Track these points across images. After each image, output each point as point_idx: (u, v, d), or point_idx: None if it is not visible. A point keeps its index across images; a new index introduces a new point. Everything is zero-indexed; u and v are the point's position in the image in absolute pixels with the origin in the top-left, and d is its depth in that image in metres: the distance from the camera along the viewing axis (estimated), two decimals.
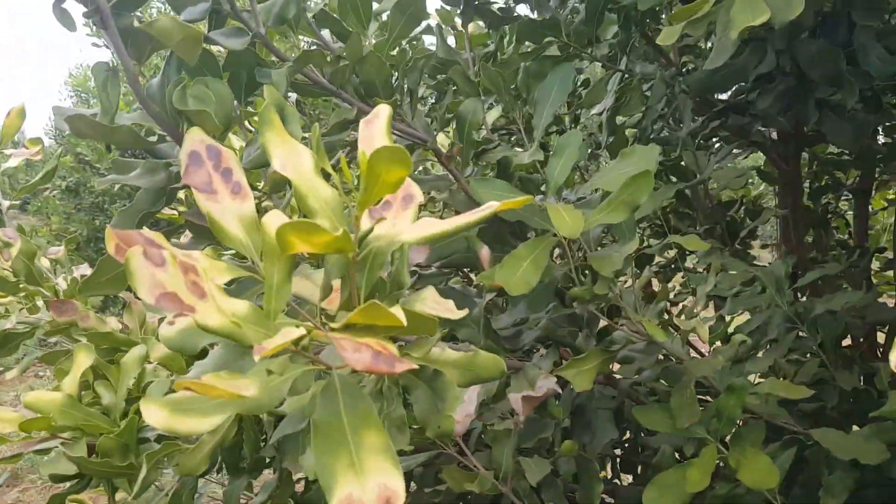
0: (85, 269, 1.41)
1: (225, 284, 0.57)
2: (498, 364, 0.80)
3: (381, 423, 0.55)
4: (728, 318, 1.50)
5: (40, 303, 1.39)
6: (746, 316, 1.54)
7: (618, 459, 1.67)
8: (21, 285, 1.25)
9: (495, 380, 0.81)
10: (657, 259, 2.15)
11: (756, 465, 1.10)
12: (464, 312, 0.72)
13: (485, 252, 1.06)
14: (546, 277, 1.07)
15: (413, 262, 1.12)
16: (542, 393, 1.05)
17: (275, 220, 0.53)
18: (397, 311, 0.50)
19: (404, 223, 0.65)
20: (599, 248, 1.15)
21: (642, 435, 1.43)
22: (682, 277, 2.05)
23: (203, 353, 1.31)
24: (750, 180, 2.41)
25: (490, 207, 0.53)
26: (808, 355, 1.40)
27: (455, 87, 1.20)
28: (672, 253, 2.16)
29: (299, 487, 1.31)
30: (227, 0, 0.78)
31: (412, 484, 1.37)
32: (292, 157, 0.57)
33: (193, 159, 0.63)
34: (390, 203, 0.68)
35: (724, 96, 1.55)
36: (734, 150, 1.78)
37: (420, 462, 1.10)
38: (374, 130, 0.57)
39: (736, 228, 2.02)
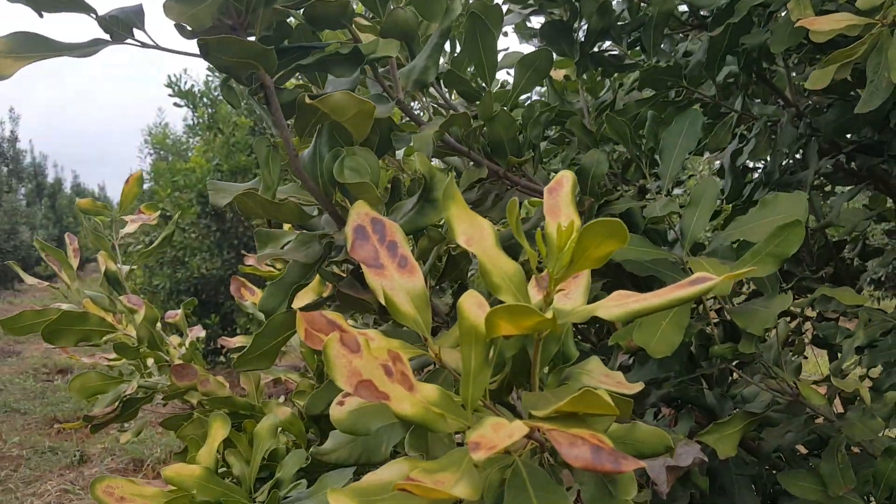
0: (199, 331, 1.42)
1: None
2: (662, 439, 0.74)
3: None
4: (866, 371, 1.39)
5: (150, 362, 1.40)
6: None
7: None
8: (141, 350, 1.26)
9: (656, 454, 0.75)
10: None
11: None
12: (639, 386, 0.67)
13: None
14: (686, 336, 1.01)
15: None
16: (689, 462, 0.98)
17: (474, 302, 0.49)
18: (611, 402, 0.46)
19: (578, 293, 0.62)
20: (736, 304, 1.08)
21: (777, 497, 1.32)
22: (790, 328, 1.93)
23: (321, 417, 1.29)
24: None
25: (704, 283, 0.49)
26: None
27: (571, 138, 1.17)
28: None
29: None
30: (371, 68, 0.78)
31: None
32: (476, 232, 0.54)
33: (359, 233, 0.61)
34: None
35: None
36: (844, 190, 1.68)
37: None
38: (559, 199, 0.54)
39: (853, 272, 1.90)
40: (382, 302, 0.58)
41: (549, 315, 0.44)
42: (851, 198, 1.49)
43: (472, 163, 0.99)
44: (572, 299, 0.61)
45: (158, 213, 1.41)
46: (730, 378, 1.31)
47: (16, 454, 5.49)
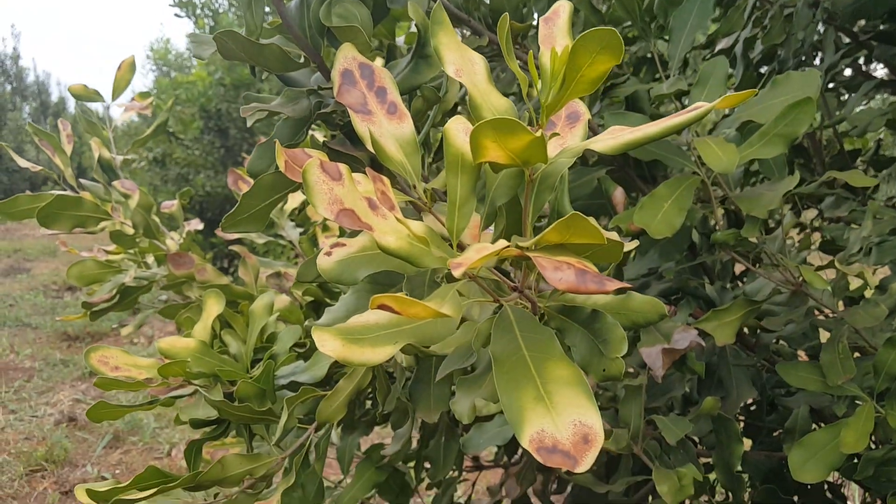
0: (197, 224, 1.41)
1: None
2: (656, 307, 0.73)
3: (566, 356, 0.49)
4: (872, 270, 1.38)
5: (150, 259, 1.40)
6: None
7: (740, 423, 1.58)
8: (137, 239, 1.25)
9: (652, 323, 0.74)
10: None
11: None
12: (634, 244, 0.66)
13: (619, 193, 0.99)
14: (689, 220, 0.99)
15: None
16: (685, 346, 0.97)
17: (460, 127, 0.47)
18: (601, 230, 0.44)
19: (574, 139, 0.59)
20: (742, 189, 1.06)
21: (774, 395, 1.33)
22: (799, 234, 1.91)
23: (316, 309, 1.29)
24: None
25: (699, 108, 0.46)
26: None
27: (577, 18, 1.12)
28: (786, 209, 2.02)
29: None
30: None
31: None
32: (467, 64, 0.51)
33: (346, 78, 0.59)
34: (554, 122, 0.61)
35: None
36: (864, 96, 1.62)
37: None
38: (555, 28, 0.51)
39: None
40: (370, 148, 0.56)
41: (538, 135, 0.42)
42: (867, 96, 1.44)
43: (471, 32, 0.95)
44: (568, 142, 0.58)
45: (151, 99, 1.38)
46: (732, 273, 1.29)
47: (28, 366, 5.63)
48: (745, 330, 1.36)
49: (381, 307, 0.40)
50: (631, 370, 1.34)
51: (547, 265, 0.43)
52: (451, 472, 1.46)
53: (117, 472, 4.08)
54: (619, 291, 1.04)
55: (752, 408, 1.55)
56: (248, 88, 6.06)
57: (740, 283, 1.51)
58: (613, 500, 1.32)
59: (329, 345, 0.46)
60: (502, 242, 0.41)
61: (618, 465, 1.42)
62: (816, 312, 1.32)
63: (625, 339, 0.66)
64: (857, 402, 1.10)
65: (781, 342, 1.42)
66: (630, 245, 0.63)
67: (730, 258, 1.19)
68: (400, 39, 1.30)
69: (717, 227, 1.02)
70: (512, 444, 1.54)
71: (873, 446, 1.24)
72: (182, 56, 6.98)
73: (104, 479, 4.08)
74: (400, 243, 0.45)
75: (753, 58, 1.30)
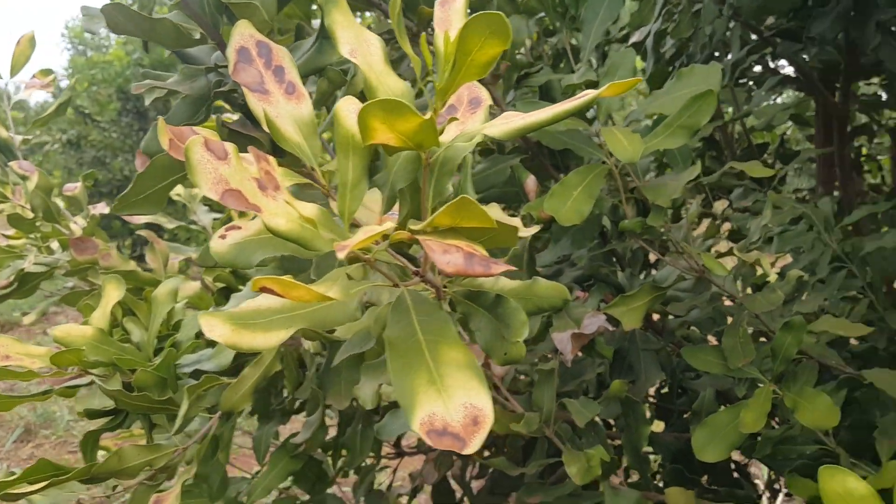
0: (103, 208, 1.35)
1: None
2: (560, 292, 0.75)
3: (460, 339, 0.50)
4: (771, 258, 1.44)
5: (55, 245, 1.34)
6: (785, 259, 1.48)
7: (652, 406, 1.63)
8: (38, 223, 1.19)
9: (557, 309, 0.76)
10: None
11: (815, 405, 1.05)
12: (533, 230, 0.67)
13: (531, 181, 1.00)
14: (598, 208, 1.01)
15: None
16: (593, 330, 1.00)
17: (351, 108, 0.46)
18: (490, 213, 0.44)
19: (474, 124, 0.59)
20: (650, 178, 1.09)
21: (683, 379, 1.38)
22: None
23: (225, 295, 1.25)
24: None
25: (587, 95, 0.47)
26: (859, 296, 1.34)
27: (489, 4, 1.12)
28: (700, 198, 2.10)
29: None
30: None
31: None
32: (361, 45, 0.50)
33: (242, 55, 0.57)
34: (455, 107, 0.61)
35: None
36: (770, 91, 1.70)
37: None
38: (451, 12, 0.50)
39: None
40: (265, 127, 0.55)
41: (427, 118, 0.41)
42: (774, 91, 1.50)
43: (383, 15, 0.94)
44: (468, 127, 0.58)
45: (53, 77, 1.31)
46: (644, 261, 1.33)
47: None
48: (656, 316, 1.41)
49: (263, 290, 0.39)
50: (549, 356, 1.37)
51: (436, 248, 0.43)
52: (369, 460, 1.46)
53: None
54: (531, 275, 1.05)
55: (664, 391, 1.61)
56: (169, 69, 5.85)
57: (654, 271, 1.55)
58: (530, 482, 1.35)
59: (217, 330, 0.45)
60: (389, 225, 0.41)
61: (534, 448, 1.45)
62: (725, 300, 1.38)
63: (526, 323, 0.67)
64: (757, 384, 1.15)
65: (693, 328, 1.48)
66: (528, 231, 0.64)
67: (639, 246, 1.22)
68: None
69: (626, 216, 1.05)
70: None
71: (773, 426, 1.31)
72: (100, 35, 6.67)
73: (13, 474, 3.89)
74: (290, 226, 0.44)
75: (665, 52, 1.33)
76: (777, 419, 1.29)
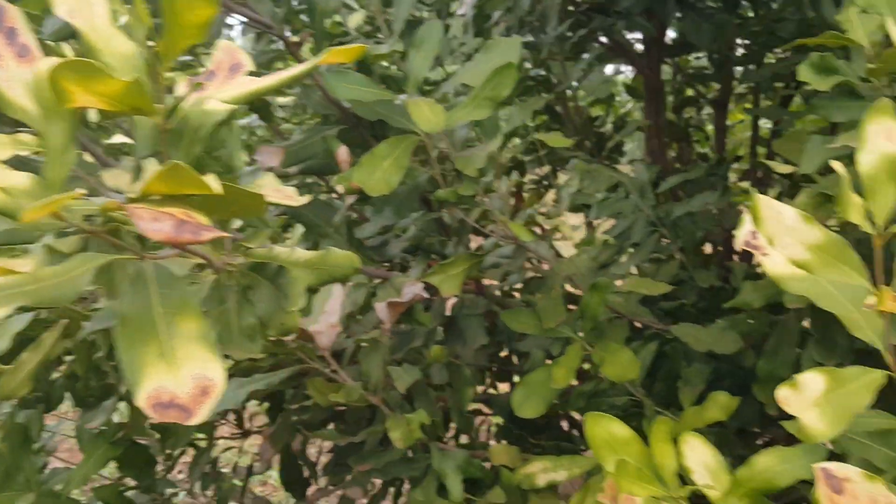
0: None
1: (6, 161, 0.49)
2: (351, 260, 0.75)
3: (200, 312, 0.49)
4: (595, 224, 1.52)
5: None
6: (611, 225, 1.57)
7: (494, 370, 1.69)
8: None
9: (348, 277, 0.76)
10: (531, 176, 2.16)
11: (618, 359, 1.12)
12: (305, 199, 0.66)
13: (342, 152, 1.00)
14: (409, 179, 1.02)
15: (265, 166, 1.03)
16: (408, 299, 1.01)
17: (50, 64, 0.44)
18: (209, 179, 0.43)
19: (230, 94, 0.58)
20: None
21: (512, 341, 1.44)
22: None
23: None
24: (618, 97, 2.45)
25: (317, 58, 0.47)
26: (670, 258, 1.44)
27: None
28: (546, 169, 2.18)
29: None
30: None
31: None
32: (82, 5, 0.48)
33: None
34: (215, 73, 0.59)
35: None
36: (603, 66, 1.78)
37: (282, 378, 1.05)
38: None
39: (603, 142, 2.05)
40: None
41: (130, 80, 0.40)
42: (599, 63, 1.57)
43: None
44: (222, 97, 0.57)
45: None
46: (471, 230, 1.37)
47: None
48: (488, 281, 1.45)
49: None
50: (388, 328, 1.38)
51: (145, 216, 0.41)
52: (204, 441, 1.43)
53: None
54: (352, 246, 1.05)
55: (503, 354, 1.67)
56: None
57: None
58: (370, 451, 1.37)
59: None
60: (78, 191, 0.39)
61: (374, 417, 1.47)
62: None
63: (304, 293, 0.68)
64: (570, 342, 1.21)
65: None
66: (302, 199, 0.64)
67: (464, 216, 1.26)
68: None
69: (441, 186, 1.07)
70: (275, 408, 1.53)
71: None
72: None
73: None
74: None
75: (489, 25, 1.36)
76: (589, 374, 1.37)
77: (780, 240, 0.62)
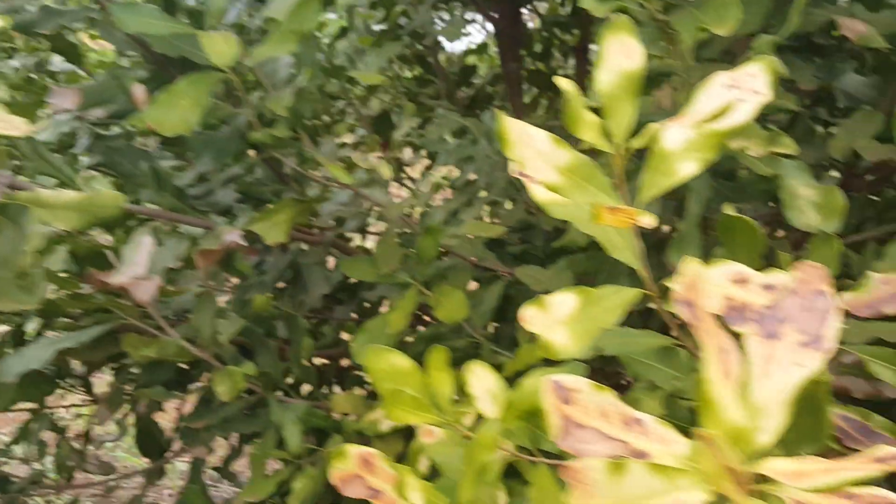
0: None
1: None
2: (116, 200, 0.71)
3: None
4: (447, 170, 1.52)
5: None
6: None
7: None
8: None
9: (116, 218, 0.73)
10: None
11: (450, 301, 1.12)
12: (31, 128, 0.62)
13: (138, 90, 0.94)
14: (212, 118, 0.98)
15: (60, 108, 0.97)
16: (219, 246, 0.98)
17: None
18: None
19: None
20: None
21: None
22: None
23: None
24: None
25: None
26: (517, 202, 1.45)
27: None
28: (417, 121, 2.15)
29: None
30: None
31: None
32: None
33: None
34: None
35: None
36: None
37: (93, 335, 0.99)
38: None
39: (483, 96, 2.05)
40: None
41: None
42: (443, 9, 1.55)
43: None
44: None
45: None
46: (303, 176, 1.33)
47: None
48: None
49: None
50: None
51: None
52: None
53: None
54: (171, 195, 0.99)
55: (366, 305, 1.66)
56: None
57: None
58: (205, 408, 1.34)
59: None
60: None
61: None
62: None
63: (39, 234, 0.63)
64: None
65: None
66: (27, 129, 0.59)
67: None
68: None
69: (255, 127, 1.03)
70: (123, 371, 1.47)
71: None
72: None
73: None
74: None
75: None
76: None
77: (532, 163, 0.61)
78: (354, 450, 0.64)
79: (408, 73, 2.20)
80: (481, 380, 0.73)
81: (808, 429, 0.59)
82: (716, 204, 0.99)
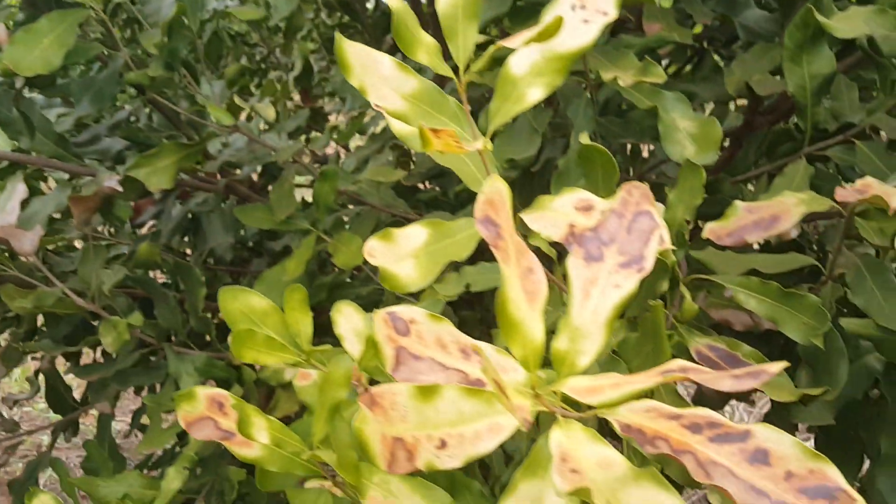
0: None
1: None
2: None
3: None
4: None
5: None
6: None
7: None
8: None
9: None
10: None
11: (348, 247, 1.10)
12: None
13: (0, 31, 0.88)
14: (80, 57, 0.93)
15: None
16: (92, 192, 0.94)
17: None
18: None
19: None
20: None
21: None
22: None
23: None
24: None
25: None
26: None
27: None
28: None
29: None
30: None
31: None
32: None
33: None
34: None
35: None
36: None
37: None
38: None
39: None
40: None
41: None
42: None
43: None
44: None
45: None
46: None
47: None
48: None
49: None
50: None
51: None
52: None
53: None
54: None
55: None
56: None
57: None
58: (96, 363, 1.31)
59: None
60: None
61: None
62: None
63: None
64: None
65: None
66: None
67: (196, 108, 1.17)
68: None
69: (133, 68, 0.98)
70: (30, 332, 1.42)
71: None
72: None
73: None
74: None
75: None
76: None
77: (377, 91, 0.59)
78: (204, 391, 0.62)
79: (330, 21, 2.14)
80: (348, 319, 0.71)
81: (649, 353, 0.59)
82: (604, 140, 0.98)
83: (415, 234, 0.61)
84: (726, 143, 1.24)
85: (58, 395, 1.45)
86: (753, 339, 0.80)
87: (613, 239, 0.48)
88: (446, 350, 0.52)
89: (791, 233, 0.85)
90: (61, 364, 1.41)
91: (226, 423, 0.62)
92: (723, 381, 0.34)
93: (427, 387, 0.44)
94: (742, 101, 1.20)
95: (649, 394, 0.58)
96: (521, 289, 0.43)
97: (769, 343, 0.86)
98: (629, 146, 1.13)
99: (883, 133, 0.86)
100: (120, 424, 2.75)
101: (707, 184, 1.01)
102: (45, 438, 2.49)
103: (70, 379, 1.47)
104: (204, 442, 1.09)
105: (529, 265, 0.43)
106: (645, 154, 1.23)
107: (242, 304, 0.68)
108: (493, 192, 0.43)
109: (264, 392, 1.20)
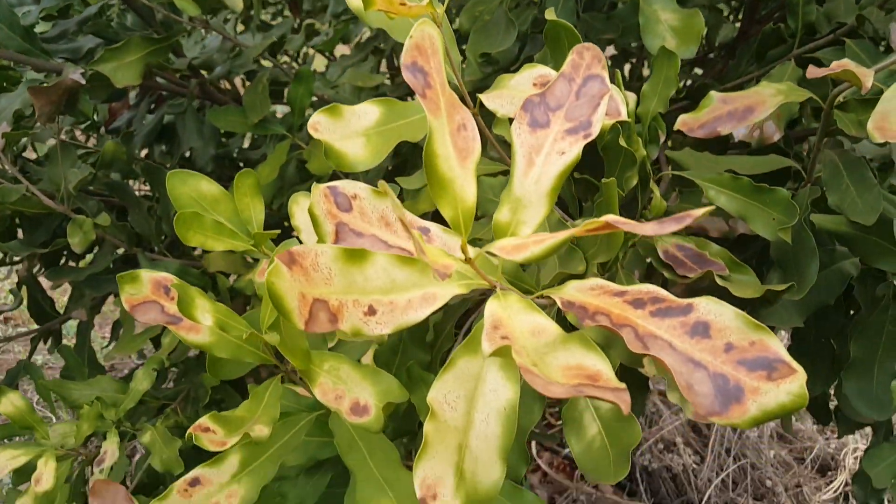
0: None
1: None
2: None
3: None
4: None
5: None
6: None
7: None
8: None
9: None
10: None
11: (322, 153, 1.07)
12: None
13: None
14: None
15: None
16: (55, 83, 0.90)
17: None
18: None
19: None
20: None
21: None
22: None
23: None
24: None
25: None
26: None
27: None
28: None
29: None
30: None
31: None
32: None
33: None
34: None
35: None
36: None
37: None
38: None
39: None
40: None
41: None
42: None
43: None
44: None
45: None
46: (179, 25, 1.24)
47: None
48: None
49: None
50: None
51: None
52: None
53: None
54: None
55: None
56: None
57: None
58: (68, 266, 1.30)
59: None
60: None
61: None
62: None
63: None
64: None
65: None
66: None
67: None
68: None
69: None
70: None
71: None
72: None
73: None
74: None
75: None
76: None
77: None
78: (148, 273, 0.60)
79: None
80: (305, 210, 0.69)
81: (602, 240, 0.56)
82: (586, 38, 0.94)
83: (366, 112, 0.58)
84: (721, 55, 1.19)
85: (38, 306, 1.44)
86: (728, 245, 0.78)
87: (561, 104, 0.45)
88: (391, 228, 0.50)
89: (773, 136, 0.81)
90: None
91: (171, 307, 0.61)
92: (645, 228, 0.32)
93: (356, 251, 0.42)
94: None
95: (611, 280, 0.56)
96: (451, 145, 0.40)
97: (744, 250, 0.83)
98: None
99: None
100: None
101: (693, 91, 0.97)
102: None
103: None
104: (180, 351, 1.09)
105: (462, 120, 0.41)
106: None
107: (192, 189, 0.66)
108: (423, 36, 0.40)
109: (241, 301, 1.19)
